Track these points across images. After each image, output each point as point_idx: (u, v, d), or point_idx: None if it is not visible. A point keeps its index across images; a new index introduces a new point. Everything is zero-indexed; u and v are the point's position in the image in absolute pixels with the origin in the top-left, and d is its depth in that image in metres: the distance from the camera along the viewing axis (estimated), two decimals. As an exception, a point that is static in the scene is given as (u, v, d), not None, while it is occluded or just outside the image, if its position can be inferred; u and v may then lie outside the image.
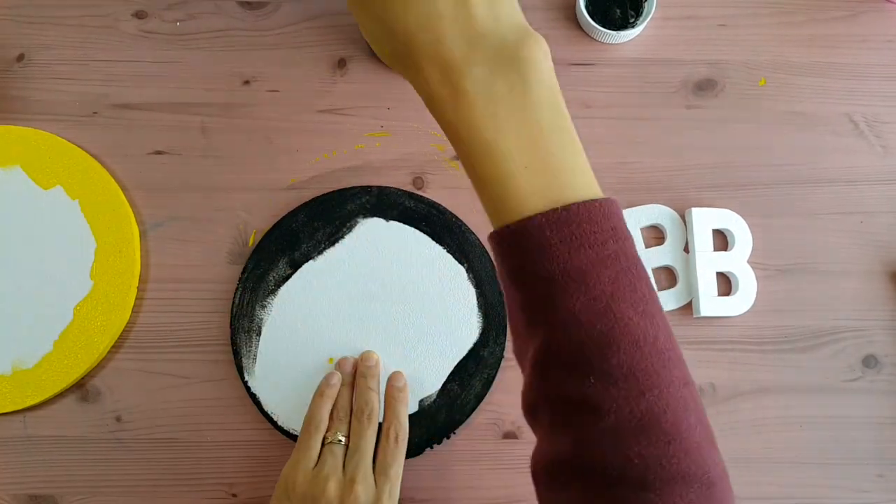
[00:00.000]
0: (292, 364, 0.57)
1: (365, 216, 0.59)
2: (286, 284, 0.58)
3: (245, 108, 0.62)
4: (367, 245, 0.59)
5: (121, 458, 0.56)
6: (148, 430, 0.57)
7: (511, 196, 0.34)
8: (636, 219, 0.59)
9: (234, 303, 0.58)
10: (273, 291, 0.58)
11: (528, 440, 0.57)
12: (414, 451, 0.55)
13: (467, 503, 0.56)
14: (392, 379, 0.55)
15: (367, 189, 0.60)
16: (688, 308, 0.59)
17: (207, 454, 0.57)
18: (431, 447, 0.56)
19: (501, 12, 0.35)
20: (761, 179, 0.61)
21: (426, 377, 0.57)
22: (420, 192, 0.60)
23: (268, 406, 0.56)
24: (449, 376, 0.57)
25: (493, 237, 0.35)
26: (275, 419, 0.56)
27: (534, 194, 0.33)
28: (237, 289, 0.58)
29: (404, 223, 0.59)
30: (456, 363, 0.57)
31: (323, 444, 0.52)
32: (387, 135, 0.62)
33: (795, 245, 0.60)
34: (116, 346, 0.58)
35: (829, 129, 0.62)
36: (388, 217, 0.59)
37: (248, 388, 0.56)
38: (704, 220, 0.59)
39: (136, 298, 0.58)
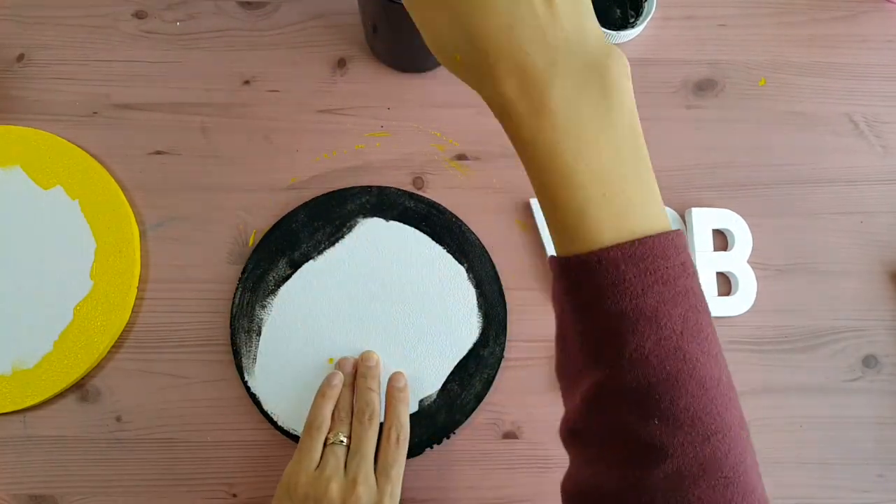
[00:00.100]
0: (292, 364, 0.57)
1: (365, 216, 0.59)
2: (286, 284, 0.58)
3: (245, 108, 0.62)
4: (368, 245, 0.59)
5: (121, 458, 0.56)
6: (148, 430, 0.57)
7: (586, 226, 0.32)
8: (636, 219, 0.59)
9: (234, 303, 0.58)
10: (273, 291, 0.58)
11: (528, 440, 0.57)
12: (414, 451, 0.55)
13: (467, 503, 0.56)
14: (392, 380, 0.55)
15: (367, 189, 0.60)
16: (688, 308, 0.59)
17: (207, 454, 0.57)
18: (431, 447, 0.56)
19: (588, 24, 0.32)
20: (761, 179, 0.61)
21: (426, 377, 0.57)
22: (420, 192, 0.60)
23: (268, 406, 0.56)
24: (449, 376, 0.57)
25: (561, 265, 0.33)
26: (275, 419, 0.56)
27: (609, 224, 0.32)
28: (237, 289, 0.58)
29: (404, 223, 0.59)
30: (456, 363, 0.57)
31: (325, 445, 0.52)
32: (387, 135, 0.62)
33: (795, 245, 0.60)
34: (116, 346, 0.58)
35: (829, 129, 0.62)
36: (388, 217, 0.59)
37: (248, 388, 0.56)
38: (704, 220, 0.59)
39: (136, 298, 0.58)
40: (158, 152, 0.61)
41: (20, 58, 0.63)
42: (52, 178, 0.60)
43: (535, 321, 0.58)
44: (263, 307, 0.58)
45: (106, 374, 0.58)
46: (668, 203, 0.60)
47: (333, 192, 0.60)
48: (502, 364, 0.57)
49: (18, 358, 0.57)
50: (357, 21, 0.62)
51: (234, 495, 0.56)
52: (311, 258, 0.59)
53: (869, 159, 0.62)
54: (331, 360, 0.57)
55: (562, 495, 0.36)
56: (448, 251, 0.59)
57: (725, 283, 0.59)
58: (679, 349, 0.31)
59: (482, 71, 0.31)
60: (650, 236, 0.31)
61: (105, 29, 0.63)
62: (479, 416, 0.57)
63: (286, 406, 0.56)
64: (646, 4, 0.63)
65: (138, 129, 0.62)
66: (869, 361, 0.58)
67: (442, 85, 0.63)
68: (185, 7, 0.64)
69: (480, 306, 0.58)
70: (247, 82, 0.63)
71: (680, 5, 0.64)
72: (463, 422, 0.56)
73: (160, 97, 0.62)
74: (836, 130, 0.62)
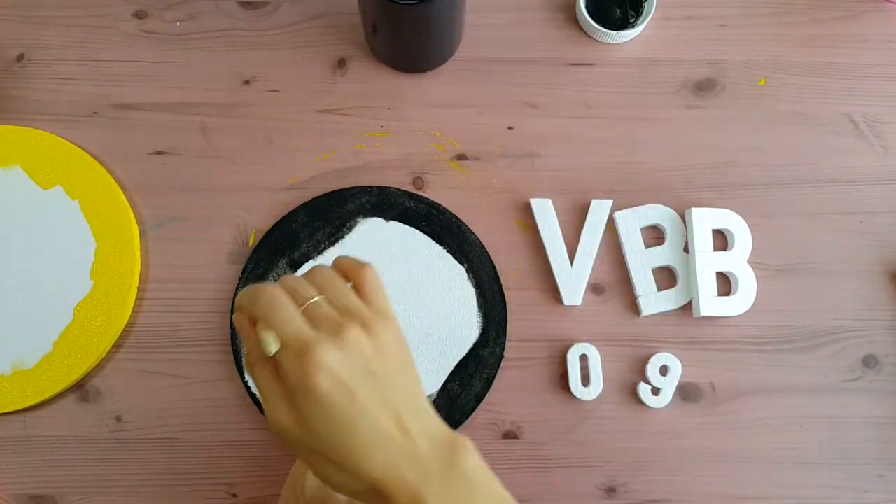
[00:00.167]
0: (292, 364, 0.57)
1: (365, 216, 0.59)
2: (286, 284, 0.58)
3: (245, 108, 0.62)
4: (368, 245, 0.59)
5: (121, 458, 0.56)
6: (148, 430, 0.57)
7: None
8: (636, 219, 0.59)
9: (234, 303, 0.58)
10: (273, 291, 0.58)
11: (528, 440, 0.57)
12: (414, 451, 0.55)
13: (467, 503, 0.56)
14: None
15: (367, 189, 0.60)
16: (688, 308, 0.59)
17: (207, 454, 0.57)
18: (431, 447, 0.56)
19: (436, 432, 0.39)
20: (761, 179, 0.61)
21: (426, 377, 0.57)
22: (420, 192, 0.60)
23: (268, 406, 0.56)
24: (449, 376, 0.57)
25: None
26: (275, 419, 0.56)
27: None
28: (237, 289, 0.58)
29: (404, 223, 0.59)
30: (456, 363, 0.57)
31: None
32: (387, 135, 0.62)
33: (795, 245, 0.60)
34: (116, 347, 0.58)
35: (829, 130, 0.62)
36: (388, 217, 0.59)
37: (248, 388, 0.56)
38: (704, 220, 0.59)
39: (136, 298, 0.58)
40: (158, 152, 0.61)
41: (20, 58, 0.63)
42: (53, 178, 0.60)
43: (534, 321, 0.58)
44: (263, 307, 0.58)
45: (106, 374, 0.58)
46: (668, 203, 0.60)
47: (333, 192, 0.60)
48: (502, 364, 0.57)
49: (18, 358, 0.57)
50: (357, 21, 0.62)
51: (234, 495, 0.56)
52: (311, 258, 0.59)
53: (869, 159, 0.62)
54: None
55: None
56: (448, 251, 0.59)
57: (725, 283, 0.59)
58: None
59: (378, 497, 0.38)
60: None
61: (105, 29, 0.64)
62: (479, 416, 0.57)
63: (286, 406, 0.56)
64: (646, 4, 0.63)
65: (138, 129, 0.62)
66: (869, 361, 0.58)
67: (442, 85, 0.63)
68: (185, 7, 0.64)
69: (480, 306, 0.58)
70: (247, 82, 0.63)
71: (680, 5, 0.64)
72: (463, 422, 0.56)
73: (160, 97, 0.62)
74: (836, 130, 0.62)
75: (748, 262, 0.58)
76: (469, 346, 0.57)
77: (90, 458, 0.57)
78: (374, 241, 0.59)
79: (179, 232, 0.60)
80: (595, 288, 0.59)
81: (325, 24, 0.64)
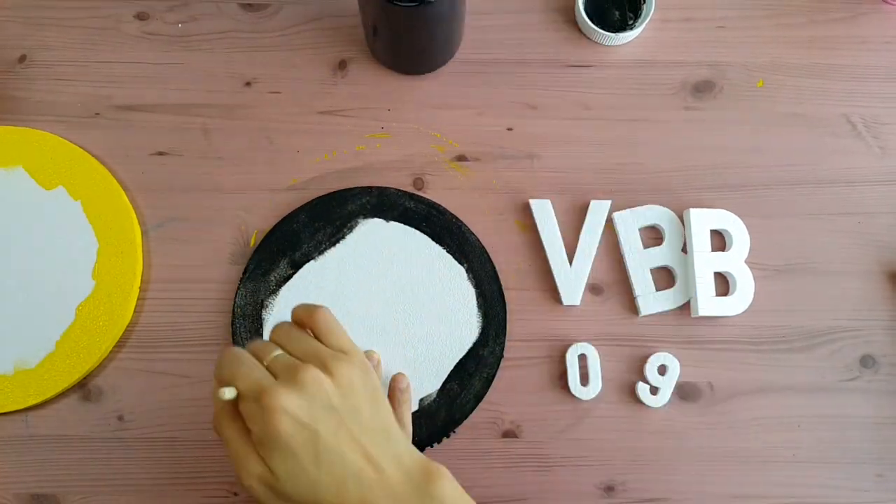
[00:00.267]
0: (293, 364, 0.57)
1: (365, 217, 0.60)
2: (287, 284, 0.58)
3: (246, 109, 0.62)
4: (368, 245, 0.59)
5: (123, 458, 0.57)
6: (150, 429, 0.57)
7: None
8: (635, 219, 0.60)
9: (235, 303, 0.58)
10: (274, 291, 0.58)
11: (527, 439, 0.57)
12: (414, 450, 0.56)
13: (467, 502, 0.57)
14: (395, 381, 0.55)
15: (367, 190, 0.60)
16: (686, 308, 0.59)
17: (209, 453, 0.57)
18: (431, 446, 0.56)
19: (405, 460, 0.40)
20: (760, 180, 0.61)
21: (426, 376, 0.57)
22: (420, 193, 0.60)
23: (269, 405, 0.56)
24: (449, 376, 0.57)
25: None
26: (276, 418, 0.56)
27: None
28: (238, 289, 0.58)
29: (404, 224, 0.59)
30: (456, 363, 0.57)
31: None
32: (387, 136, 0.62)
33: (793, 245, 0.60)
34: (118, 346, 0.58)
35: (828, 131, 0.62)
36: (388, 217, 0.60)
37: (249, 388, 0.57)
38: (702, 220, 0.59)
39: (138, 298, 0.59)
40: (160, 153, 0.62)
41: (22, 59, 0.63)
42: (55, 178, 0.60)
43: (534, 321, 0.59)
44: (265, 307, 0.58)
45: (108, 373, 0.58)
46: (666, 204, 0.60)
47: (334, 192, 0.60)
48: (502, 364, 0.57)
49: (21, 358, 0.57)
50: (357, 23, 0.62)
51: (235, 494, 0.56)
52: (311, 258, 0.59)
53: (867, 160, 0.62)
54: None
55: None
56: (448, 251, 0.59)
57: (723, 284, 0.60)
58: None
59: None
60: None
61: (107, 30, 0.64)
62: (479, 416, 0.57)
63: (287, 405, 0.56)
64: (644, 6, 0.63)
65: (140, 131, 0.62)
66: (866, 361, 0.58)
67: (442, 86, 0.63)
68: (187, 9, 0.64)
69: (480, 306, 0.58)
70: (248, 84, 0.63)
71: (678, 7, 0.65)
72: (462, 421, 0.56)
73: (162, 98, 0.63)
74: (834, 132, 0.62)
75: (746, 262, 0.59)
76: (469, 345, 0.58)
77: (92, 457, 0.57)
78: (374, 241, 0.59)
79: (181, 232, 0.60)
80: (594, 288, 0.59)
81: (325, 26, 0.64)
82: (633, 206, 0.60)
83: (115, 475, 0.57)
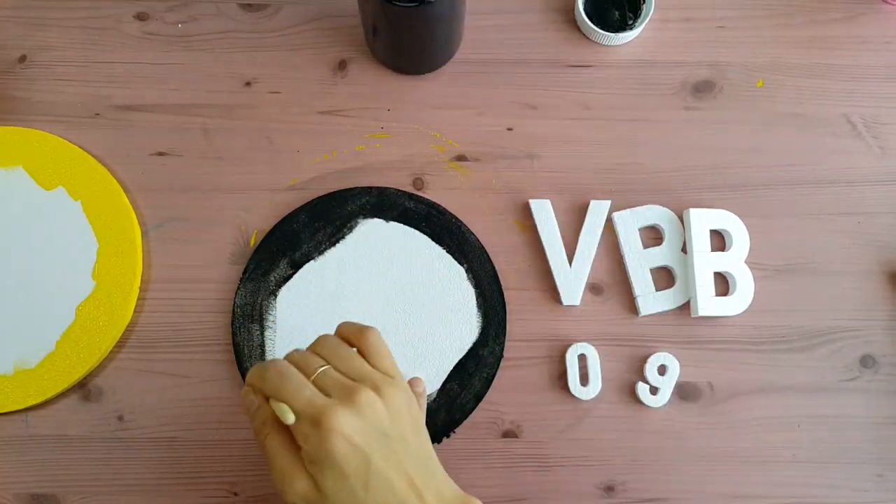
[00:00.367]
0: (293, 364, 0.57)
1: (365, 217, 0.60)
2: (287, 284, 0.58)
3: (246, 109, 0.62)
4: (368, 246, 0.59)
5: (123, 458, 0.57)
6: (150, 429, 0.57)
7: None
8: (635, 219, 0.60)
9: (235, 303, 0.58)
10: (274, 292, 0.58)
11: (527, 439, 0.57)
12: (414, 450, 0.56)
13: (467, 502, 0.57)
14: (411, 384, 0.55)
15: (367, 190, 0.60)
16: (686, 308, 0.59)
17: (209, 453, 0.57)
18: (431, 446, 0.56)
19: (442, 486, 0.41)
20: (760, 180, 0.61)
21: (426, 376, 0.57)
22: (420, 193, 0.60)
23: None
24: (448, 376, 0.57)
25: None
26: (276, 418, 0.56)
27: None
28: (238, 289, 0.58)
29: (404, 224, 0.59)
30: (455, 363, 0.57)
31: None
32: (387, 136, 0.62)
33: (793, 245, 0.60)
34: (118, 346, 0.58)
35: (828, 131, 0.62)
36: (388, 218, 0.60)
37: (249, 388, 0.57)
38: (702, 220, 0.59)
39: (138, 299, 0.59)
40: (160, 153, 0.62)
41: (22, 59, 0.63)
42: (55, 178, 0.60)
43: (534, 321, 0.59)
44: (265, 307, 0.58)
45: (108, 373, 0.58)
46: (666, 204, 0.60)
47: (334, 192, 0.60)
48: (501, 364, 0.57)
49: (21, 358, 0.57)
50: (357, 23, 0.62)
51: (236, 493, 0.56)
52: (311, 258, 0.59)
53: (867, 160, 0.62)
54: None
55: None
56: (448, 252, 0.59)
57: (723, 284, 0.60)
58: None
59: None
60: None
61: (107, 30, 0.64)
62: (479, 415, 0.57)
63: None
64: (644, 6, 0.63)
65: (140, 131, 0.62)
66: (866, 361, 0.58)
67: (441, 87, 0.63)
68: (187, 9, 0.64)
69: (480, 306, 0.58)
70: (248, 84, 0.63)
71: (678, 7, 0.65)
72: (462, 421, 0.56)
73: (162, 98, 0.63)
74: (834, 132, 0.62)
75: (746, 262, 0.59)
76: (469, 345, 0.58)
77: (92, 457, 0.57)
78: (374, 241, 0.59)
79: (181, 232, 0.60)
80: (594, 288, 0.59)
81: (325, 27, 0.64)
82: (633, 206, 0.60)
83: (115, 475, 0.57)
